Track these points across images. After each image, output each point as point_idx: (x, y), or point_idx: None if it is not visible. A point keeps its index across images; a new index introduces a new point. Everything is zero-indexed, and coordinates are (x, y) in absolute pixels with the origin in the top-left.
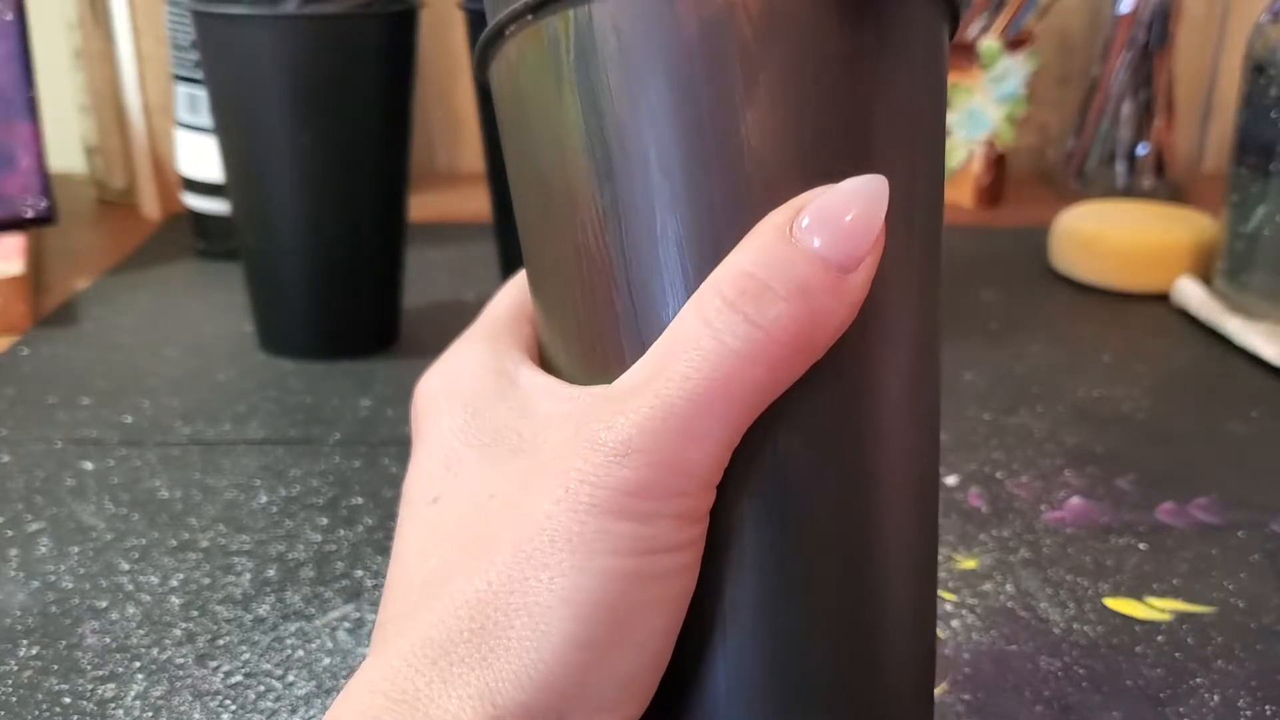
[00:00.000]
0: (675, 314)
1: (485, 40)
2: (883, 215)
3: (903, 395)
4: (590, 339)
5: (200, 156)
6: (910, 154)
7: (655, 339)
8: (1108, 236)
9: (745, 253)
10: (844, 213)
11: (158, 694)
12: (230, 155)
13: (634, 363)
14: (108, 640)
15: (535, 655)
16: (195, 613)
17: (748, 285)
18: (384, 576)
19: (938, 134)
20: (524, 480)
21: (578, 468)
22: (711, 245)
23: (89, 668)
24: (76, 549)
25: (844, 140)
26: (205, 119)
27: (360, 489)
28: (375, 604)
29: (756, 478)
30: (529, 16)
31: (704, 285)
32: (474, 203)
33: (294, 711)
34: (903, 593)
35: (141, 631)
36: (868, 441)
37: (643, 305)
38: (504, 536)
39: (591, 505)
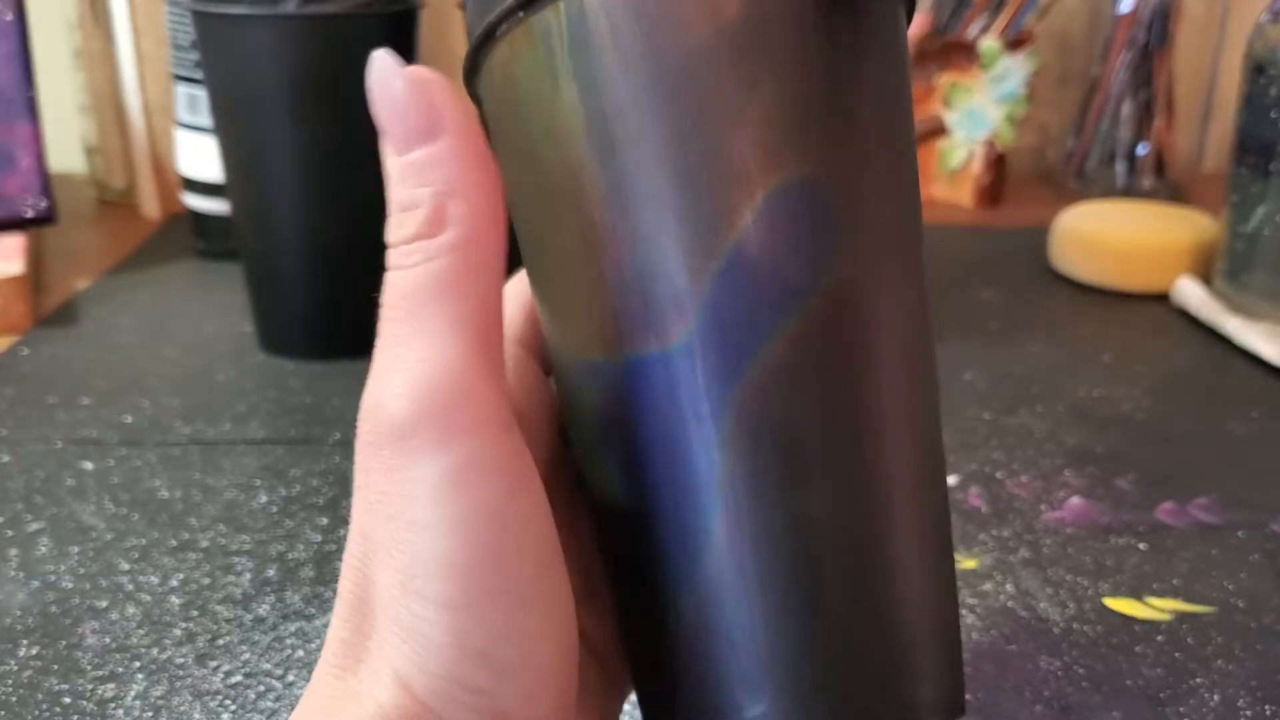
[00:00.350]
0: (677, 281)
1: (476, 45)
2: (400, 82)
3: (892, 352)
4: (597, 319)
5: (200, 156)
6: (894, 129)
7: (659, 307)
8: (1108, 236)
9: (390, 184)
10: (394, 104)
11: (158, 694)
12: (230, 155)
13: (640, 336)
14: (108, 640)
15: (413, 633)
16: (195, 613)
17: (394, 213)
18: None
19: (909, 117)
20: None
21: (368, 425)
22: (710, 218)
23: (89, 668)
24: (76, 549)
25: (833, 116)
26: (205, 119)
27: None
28: None
29: (752, 398)
30: (520, 14)
31: None
32: None
33: (294, 711)
34: (907, 533)
35: (141, 631)
36: (856, 367)
37: (646, 276)
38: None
39: (373, 449)
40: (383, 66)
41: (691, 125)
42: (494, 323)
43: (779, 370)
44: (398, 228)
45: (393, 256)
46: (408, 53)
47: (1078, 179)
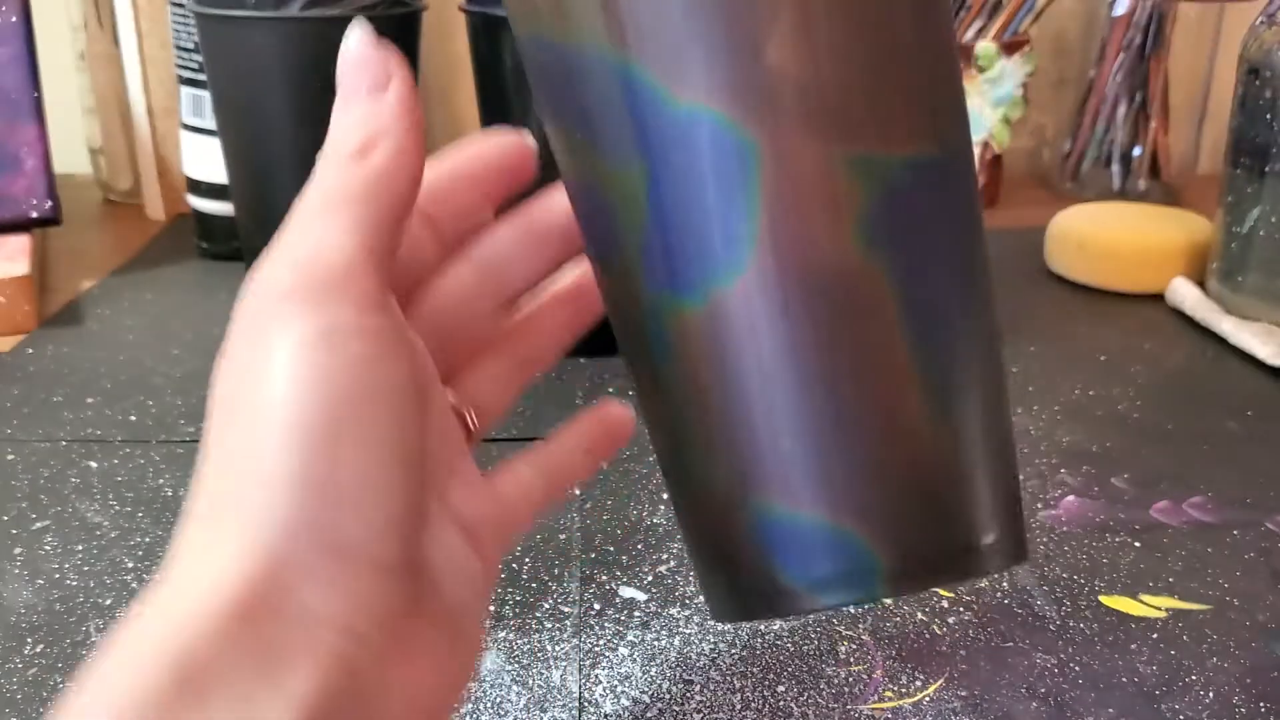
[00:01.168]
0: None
1: None
2: (367, 48)
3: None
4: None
5: (205, 158)
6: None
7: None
8: (1103, 237)
9: (335, 118)
10: (357, 63)
11: None
12: (234, 157)
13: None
14: None
15: (267, 480)
16: None
17: (333, 138)
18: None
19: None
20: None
21: (249, 291)
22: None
23: None
24: (81, 547)
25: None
26: (210, 121)
27: None
28: None
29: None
30: None
31: None
32: None
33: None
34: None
35: None
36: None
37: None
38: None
39: (248, 315)
40: (358, 35)
41: None
42: (390, 246)
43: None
44: (328, 152)
45: (317, 169)
46: (410, 55)
47: (1073, 181)
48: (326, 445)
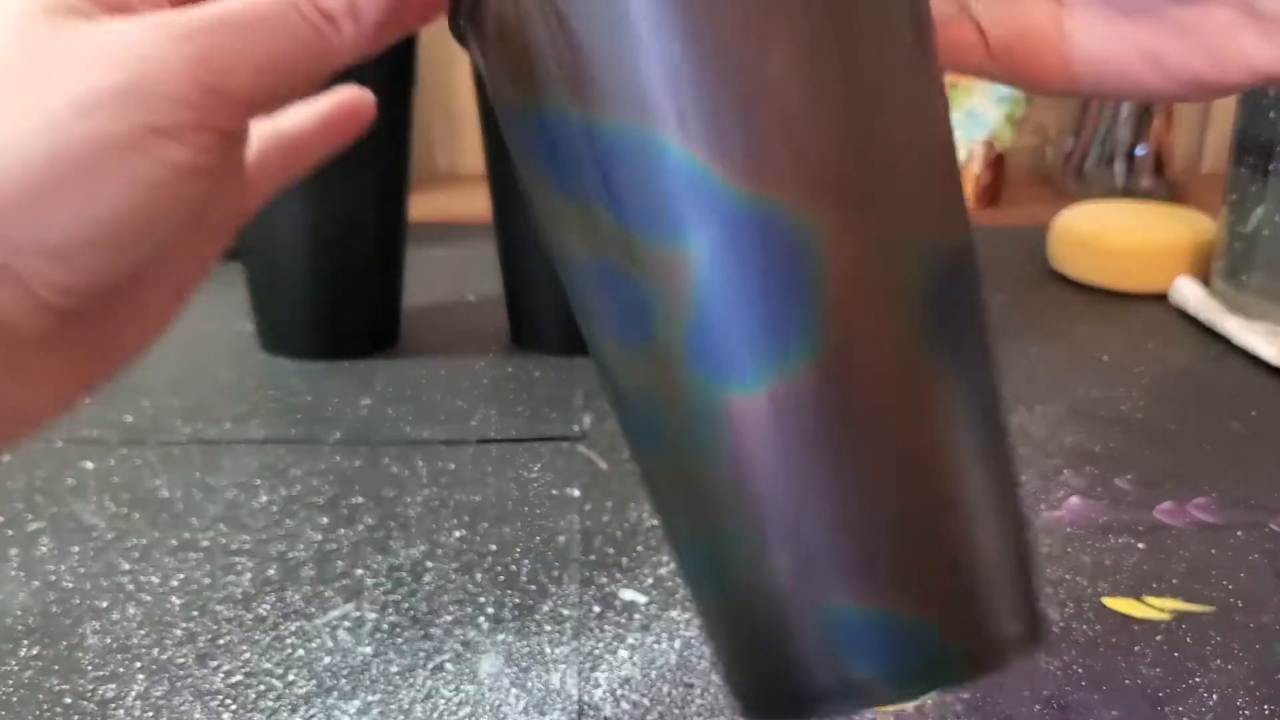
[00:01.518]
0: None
1: None
2: None
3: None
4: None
5: None
6: None
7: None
8: (1106, 236)
9: None
10: None
11: (158, 694)
12: None
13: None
14: (108, 640)
15: None
16: (196, 612)
17: None
18: (384, 575)
19: None
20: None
21: (131, 36)
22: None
23: (90, 668)
24: (77, 548)
25: None
26: None
27: (360, 488)
28: (376, 603)
29: None
30: None
31: None
32: (474, 203)
33: (294, 710)
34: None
35: (142, 631)
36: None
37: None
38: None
39: (132, 73)
40: None
41: None
42: (271, 95)
43: None
44: None
45: None
46: (408, 55)
47: (1077, 179)
48: (77, 194)
